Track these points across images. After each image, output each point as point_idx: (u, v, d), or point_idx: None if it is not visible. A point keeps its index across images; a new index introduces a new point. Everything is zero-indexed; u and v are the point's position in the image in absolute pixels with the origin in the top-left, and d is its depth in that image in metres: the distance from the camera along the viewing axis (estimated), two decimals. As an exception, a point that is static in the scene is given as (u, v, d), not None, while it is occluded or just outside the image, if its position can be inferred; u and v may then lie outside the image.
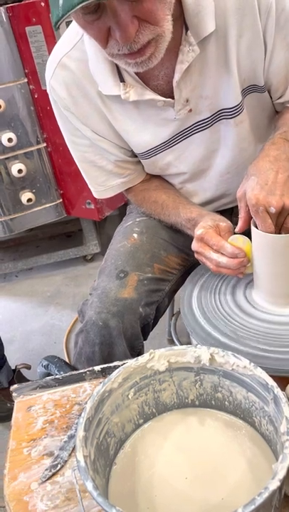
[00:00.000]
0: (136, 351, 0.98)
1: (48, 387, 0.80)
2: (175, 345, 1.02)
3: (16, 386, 0.81)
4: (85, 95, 0.94)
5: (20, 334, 1.99)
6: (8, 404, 1.51)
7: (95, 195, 1.11)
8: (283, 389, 0.57)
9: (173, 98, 0.90)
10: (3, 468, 0.69)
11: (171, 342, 1.65)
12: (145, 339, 1.02)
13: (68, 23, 0.92)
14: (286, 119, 0.93)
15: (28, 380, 1.16)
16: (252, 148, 1.01)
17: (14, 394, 0.80)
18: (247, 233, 0.82)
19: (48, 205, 2.05)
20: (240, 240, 0.82)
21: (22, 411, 0.77)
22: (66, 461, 0.68)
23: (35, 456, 0.70)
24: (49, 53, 1.70)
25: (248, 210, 0.79)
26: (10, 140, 1.84)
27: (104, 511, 0.46)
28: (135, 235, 1.07)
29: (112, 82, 0.89)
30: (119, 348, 0.94)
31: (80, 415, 0.59)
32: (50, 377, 0.82)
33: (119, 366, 0.62)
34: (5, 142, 1.84)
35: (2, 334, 1.61)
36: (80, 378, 0.80)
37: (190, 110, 0.92)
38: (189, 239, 0.89)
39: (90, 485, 0.48)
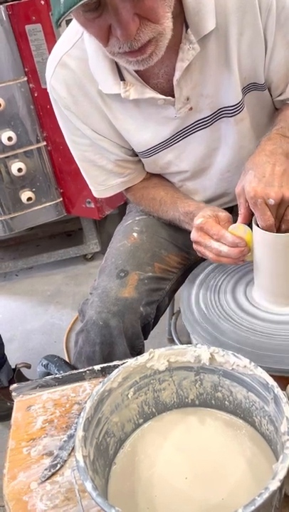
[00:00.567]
0: (136, 351, 0.98)
1: (48, 386, 0.80)
2: (175, 344, 1.02)
3: (15, 385, 0.81)
4: (85, 94, 0.94)
5: (21, 333, 1.99)
6: (8, 404, 1.51)
7: (95, 194, 1.10)
8: (284, 389, 0.57)
9: (173, 96, 0.90)
10: (2, 467, 0.69)
11: (172, 341, 1.64)
12: (146, 338, 1.02)
13: (68, 22, 0.91)
14: (284, 115, 0.93)
15: (28, 379, 1.16)
16: (252, 147, 1.00)
17: (14, 393, 0.80)
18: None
19: (48, 204, 2.04)
20: (240, 229, 0.81)
21: (22, 410, 0.77)
22: (66, 460, 0.68)
23: (35, 456, 0.70)
24: (49, 52, 1.70)
25: (248, 205, 0.78)
26: (10, 139, 1.84)
27: (104, 511, 0.46)
28: (135, 234, 1.07)
29: (112, 81, 0.89)
30: (120, 348, 0.94)
31: (79, 415, 0.59)
32: (50, 376, 0.82)
33: (119, 366, 0.62)
34: (5, 141, 1.84)
35: (2, 333, 1.61)
36: (80, 378, 0.80)
37: (190, 108, 0.92)
38: (189, 237, 0.88)
39: (89, 485, 0.48)
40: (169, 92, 0.90)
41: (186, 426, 0.65)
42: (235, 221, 0.83)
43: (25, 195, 1.97)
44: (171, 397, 0.66)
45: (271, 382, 0.55)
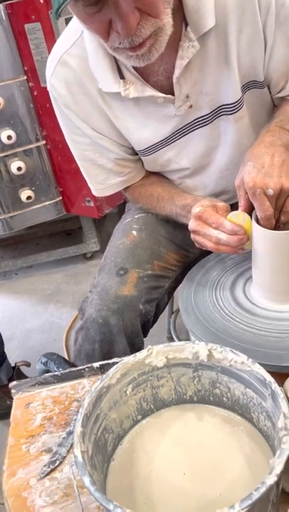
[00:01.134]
0: (136, 348, 0.98)
1: (47, 383, 0.80)
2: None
3: (14, 383, 0.81)
4: (85, 93, 0.94)
5: (20, 332, 1.99)
6: (8, 402, 1.51)
7: (95, 193, 1.11)
8: (281, 385, 0.57)
9: (173, 94, 0.90)
10: (1, 464, 0.69)
11: (171, 339, 1.65)
12: (145, 336, 1.03)
13: (68, 21, 0.92)
14: (284, 109, 0.93)
15: (28, 378, 1.16)
16: (251, 145, 1.01)
17: (13, 391, 0.80)
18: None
19: (47, 203, 2.04)
20: (240, 217, 0.80)
21: (21, 407, 0.77)
22: (65, 457, 0.68)
23: (34, 453, 0.70)
24: (48, 50, 1.70)
25: (248, 197, 0.78)
26: (9, 137, 1.84)
27: (102, 506, 0.46)
28: (134, 232, 1.07)
29: (112, 80, 0.89)
30: (120, 346, 0.94)
31: (78, 411, 0.59)
32: (49, 373, 0.82)
33: (117, 363, 0.62)
34: (4, 140, 1.84)
35: (2, 332, 1.61)
36: (79, 375, 0.81)
37: (190, 106, 0.92)
38: (187, 235, 0.88)
39: (87, 480, 0.48)
40: (168, 90, 0.90)
41: (184, 422, 0.65)
42: None
43: (25, 194, 1.97)
44: (169, 394, 0.66)
45: (269, 378, 0.55)
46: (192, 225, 0.84)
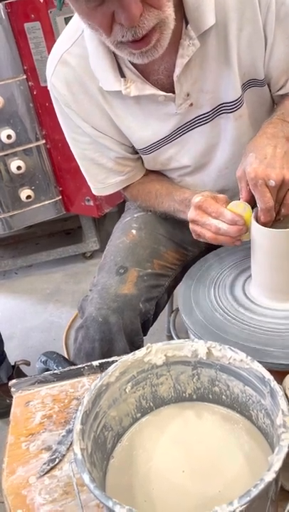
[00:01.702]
0: (136, 347, 0.98)
1: (47, 382, 0.80)
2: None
3: (14, 381, 0.81)
4: (86, 92, 0.94)
5: (20, 331, 1.99)
6: (8, 401, 1.51)
7: (95, 192, 1.11)
8: (280, 382, 0.57)
9: (173, 93, 0.90)
10: (1, 462, 0.70)
11: (170, 338, 1.65)
12: (145, 335, 1.03)
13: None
14: (284, 104, 0.93)
15: (27, 376, 1.16)
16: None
17: (13, 389, 0.80)
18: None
19: (47, 202, 2.05)
20: (240, 206, 0.79)
21: (20, 406, 0.77)
22: (64, 455, 0.68)
23: (34, 451, 0.70)
24: (48, 50, 1.70)
25: (249, 189, 0.78)
26: (9, 137, 1.84)
27: (102, 504, 0.47)
28: (134, 231, 1.08)
29: (112, 78, 0.89)
30: (119, 344, 0.94)
31: (77, 409, 0.59)
32: (49, 372, 0.82)
33: (117, 361, 0.62)
34: (4, 139, 1.84)
35: (2, 331, 1.61)
36: (79, 373, 0.81)
37: (191, 104, 0.92)
38: (187, 233, 0.88)
39: (86, 477, 0.48)
40: (169, 88, 0.90)
41: (183, 420, 0.65)
42: None
43: (25, 193, 1.97)
44: (168, 392, 0.66)
45: (267, 375, 0.55)
46: (191, 214, 0.83)
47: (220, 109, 0.94)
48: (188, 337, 0.87)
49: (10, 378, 1.55)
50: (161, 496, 0.57)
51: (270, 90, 0.98)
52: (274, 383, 0.54)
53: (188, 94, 0.91)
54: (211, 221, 0.80)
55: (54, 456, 0.68)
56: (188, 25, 0.83)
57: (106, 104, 0.95)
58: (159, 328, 1.68)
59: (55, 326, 1.98)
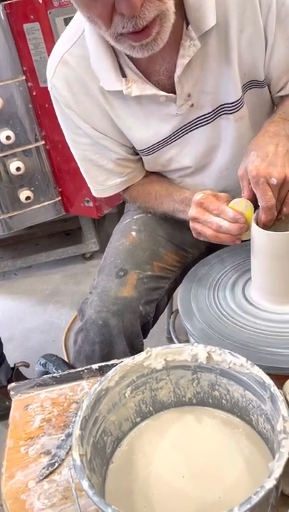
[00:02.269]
0: (136, 350, 0.98)
1: (46, 385, 0.80)
2: (174, 343, 1.02)
3: (13, 384, 0.81)
4: (86, 92, 0.94)
5: (19, 332, 1.99)
6: (7, 403, 1.50)
7: (94, 194, 1.10)
8: (280, 387, 0.57)
9: (174, 93, 0.90)
10: (0, 466, 0.69)
11: (170, 340, 1.64)
12: (145, 337, 1.02)
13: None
14: (285, 105, 0.93)
15: (27, 378, 1.16)
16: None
17: (12, 392, 0.80)
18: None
19: (46, 203, 2.04)
20: (242, 204, 0.79)
21: (19, 409, 0.77)
22: (63, 459, 0.68)
23: (33, 455, 0.70)
24: (47, 50, 1.70)
25: (251, 188, 0.77)
26: (8, 138, 1.83)
27: (101, 510, 0.46)
28: (133, 233, 1.07)
29: (114, 78, 0.89)
30: (119, 347, 0.94)
31: (77, 414, 0.59)
32: (48, 375, 0.82)
33: (116, 364, 0.62)
34: (3, 140, 1.83)
35: (1, 332, 1.61)
36: (78, 377, 0.80)
37: (192, 105, 0.92)
38: (186, 235, 0.88)
39: (85, 484, 0.48)
40: (170, 89, 0.90)
41: (183, 424, 0.65)
42: None
43: (24, 194, 1.97)
44: (168, 396, 0.66)
45: (268, 380, 0.55)
46: (192, 212, 0.83)
47: (221, 110, 0.94)
48: (188, 339, 0.86)
49: (9, 380, 1.55)
50: (161, 501, 0.57)
51: (270, 92, 0.98)
52: (274, 388, 0.54)
53: (189, 95, 0.91)
54: (212, 219, 0.80)
55: (53, 461, 0.68)
56: (189, 26, 0.83)
57: (107, 105, 0.95)
58: (158, 330, 1.68)
59: (55, 327, 1.97)
